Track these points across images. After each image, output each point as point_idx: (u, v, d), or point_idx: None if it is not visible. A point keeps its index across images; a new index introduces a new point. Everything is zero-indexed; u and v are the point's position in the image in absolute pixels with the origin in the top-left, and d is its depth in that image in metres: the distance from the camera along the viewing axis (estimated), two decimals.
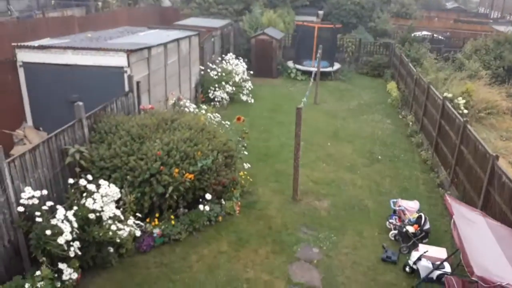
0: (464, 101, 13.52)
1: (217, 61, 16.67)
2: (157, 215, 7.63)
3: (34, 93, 9.84)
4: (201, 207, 7.82)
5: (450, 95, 13.48)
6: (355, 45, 22.66)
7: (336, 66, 21.00)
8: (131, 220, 6.71)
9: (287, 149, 11.36)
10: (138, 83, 9.67)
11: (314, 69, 17.04)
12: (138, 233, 6.91)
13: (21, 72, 9.81)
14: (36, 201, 5.84)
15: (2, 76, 9.59)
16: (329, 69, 20.33)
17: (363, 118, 15.06)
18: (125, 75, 9.35)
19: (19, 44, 9.78)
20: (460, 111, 12.69)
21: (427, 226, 7.73)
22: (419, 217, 7.89)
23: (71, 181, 6.57)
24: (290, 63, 20.89)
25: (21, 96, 9.90)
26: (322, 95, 17.10)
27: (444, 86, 15.17)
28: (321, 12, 25.90)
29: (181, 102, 10.86)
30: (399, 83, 18.32)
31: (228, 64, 16.37)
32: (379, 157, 11.76)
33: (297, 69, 20.42)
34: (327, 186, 9.93)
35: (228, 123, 10.65)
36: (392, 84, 18.67)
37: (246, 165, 9.69)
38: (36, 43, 10.07)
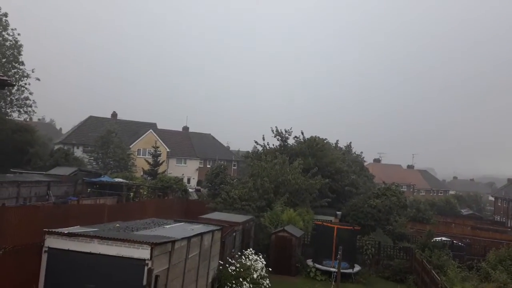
0: None
1: (237, 255, 16.62)
2: None
3: (51, 279, 9.72)
4: None
5: None
6: (375, 247, 22.56)
7: (357, 268, 20.51)
8: None
9: None
10: (157, 277, 9.55)
11: (334, 270, 16.67)
12: None
13: (44, 258, 9.89)
14: None
15: (26, 260, 9.70)
16: (349, 270, 19.81)
17: None
18: (146, 268, 9.32)
19: (49, 230, 10.15)
20: None
21: None
22: None
23: None
24: (310, 262, 20.57)
25: (37, 281, 9.79)
26: None
27: None
28: (339, 213, 26.74)
29: None
30: None
31: (247, 259, 16.24)
32: None
33: (317, 268, 19.97)
34: None
35: None
36: None
37: None
38: (66, 230, 10.45)
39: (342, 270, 17.77)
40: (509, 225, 54.98)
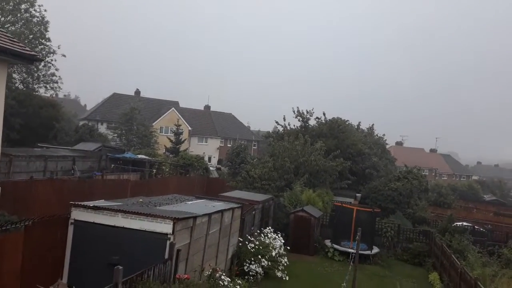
0: None
1: (256, 233, 16.85)
2: None
3: (77, 251, 10.05)
4: None
5: None
6: (394, 230, 22.48)
7: (375, 250, 20.54)
8: None
9: None
10: (178, 251, 9.78)
11: (352, 251, 16.75)
12: None
13: (70, 229, 10.22)
14: None
15: (53, 231, 10.05)
16: (368, 252, 19.87)
17: None
18: (168, 242, 9.56)
19: (75, 203, 10.47)
20: None
21: None
22: None
23: None
24: (328, 242, 20.70)
25: (63, 253, 10.14)
26: (360, 281, 16.33)
27: (493, 283, 14.25)
28: (359, 195, 26.67)
29: (217, 275, 10.70)
30: (441, 275, 17.41)
31: (266, 237, 16.46)
32: None
33: (335, 249, 20.10)
34: None
35: None
36: (434, 275, 17.76)
37: None
38: (91, 203, 10.75)
39: (360, 252, 17.82)
40: None
